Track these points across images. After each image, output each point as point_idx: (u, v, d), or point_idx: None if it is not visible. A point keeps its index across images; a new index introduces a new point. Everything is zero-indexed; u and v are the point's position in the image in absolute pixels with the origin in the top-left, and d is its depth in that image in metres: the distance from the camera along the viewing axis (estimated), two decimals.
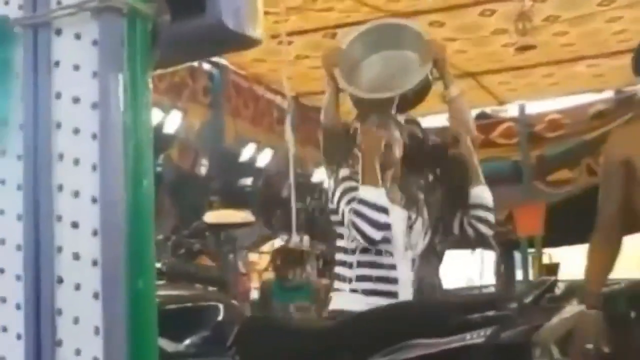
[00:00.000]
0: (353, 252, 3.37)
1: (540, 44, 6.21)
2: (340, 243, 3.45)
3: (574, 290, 4.15)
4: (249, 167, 7.68)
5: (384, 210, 3.27)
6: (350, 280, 3.36)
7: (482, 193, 3.50)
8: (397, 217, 3.40)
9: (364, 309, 3.27)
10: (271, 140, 7.28)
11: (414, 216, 3.41)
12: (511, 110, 8.13)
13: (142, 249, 1.61)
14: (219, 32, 1.70)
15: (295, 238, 6.29)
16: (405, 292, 3.40)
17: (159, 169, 7.08)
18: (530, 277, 7.78)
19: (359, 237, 3.24)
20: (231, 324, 3.32)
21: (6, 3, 1.69)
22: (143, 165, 1.61)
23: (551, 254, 8.56)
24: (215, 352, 3.22)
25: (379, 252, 3.37)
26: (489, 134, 7.99)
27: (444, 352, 2.73)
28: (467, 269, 9.12)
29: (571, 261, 7.55)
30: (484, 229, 3.48)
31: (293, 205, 5.70)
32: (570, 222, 7.17)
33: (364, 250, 3.36)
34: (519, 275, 8.36)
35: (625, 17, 6.05)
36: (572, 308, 3.06)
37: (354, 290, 3.32)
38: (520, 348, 2.74)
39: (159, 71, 1.85)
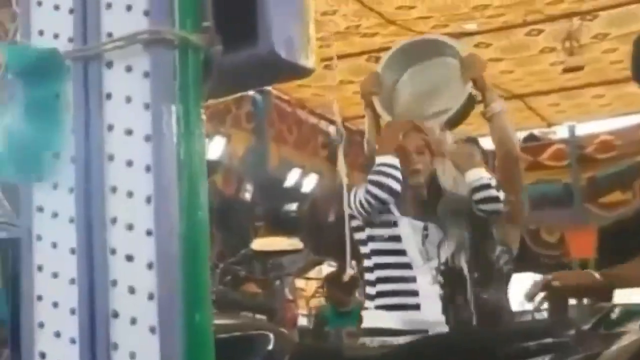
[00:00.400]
0: (372, 269, 3.41)
1: (589, 63, 6.25)
2: (365, 263, 3.50)
3: (630, 315, 4.26)
4: (295, 193, 7.76)
5: (399, 170, 3.34)
6: (373, 298, 3.42)
7: (475, 174, 3.42)
8: (410, 227, 3.43)
9: (399, 328, 3.27)
10: (316, 165, 7.39)
11: (428, 226, 3.43)
12: (560, 132, 8.14)
13: (198, 282, 1.62)
14: (272, 62, 1.72)
15: (349, 270, 6.34)
16: (429, 304, 3.38)
17: None
18: (584, 302, 7.92)
19: (382, 193, 3.26)
20: (282, 353, 3.33)
21: (56, 36, 1.72)
22: (197, 197, 1.63)
23: None
24: None
25: (396, 266, 3.40)
26: (538, 157, 7.96)
27: None
28: (519, 293, 8.98)
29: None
30: (490, 207, 3.42)
31: (347, 236, 5.80)
32: (623, 245, 7.60)
33: (383, 266, 3.39)
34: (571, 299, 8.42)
35: None
36: (633, 335, 2.95)
37: (378, 307, 3.37)
38: None
39: (211, 101, 1.88)
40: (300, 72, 1.82)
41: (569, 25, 5.82)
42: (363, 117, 6.83)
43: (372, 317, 3.43)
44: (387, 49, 6.25)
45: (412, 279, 3.38)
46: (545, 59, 6.44)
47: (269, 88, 6.77)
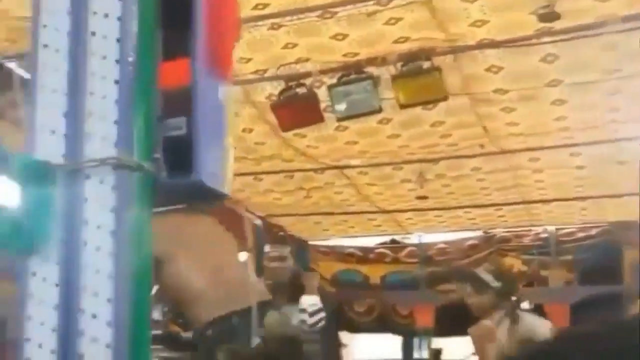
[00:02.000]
0: None
1: (431, 193, 7.41)
2: None
3: None
4: None
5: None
6: None
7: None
8: None
9: None
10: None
11: None
12: (413, 238, 9.40)
13: (141, 335, 1.89)
14: (199, 188, 1.98)
15: None
16: None
17: None
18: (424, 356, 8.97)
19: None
20: None
21: (51, 153, 1.97)
22: (144, 275, 1.92)
23: (438, 341, 9.71)
24: None
25: None
26: (397, 254, 9.54)
27: None
28: (381, 348, 10.30)
29: (452, 348, 8.88)
30: None
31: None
32: (452, 319, 8.29)
33: None
34: (417, 354, 9.59)
35: (487, 179, 7.27)
36: None
37: None
38: None
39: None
40: (220, 197, 2.08)
41: (420, 167, 6.98)
42: (278, 215, 8.25)
43: None
44: (293, 170, 7.22)
45: None
46: (404, 187, 7.47)
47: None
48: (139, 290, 1.87)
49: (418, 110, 5.46)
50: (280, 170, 7.20)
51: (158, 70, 2.00)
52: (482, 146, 6.43)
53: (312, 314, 4.23)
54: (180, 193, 2.08)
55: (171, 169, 1.98)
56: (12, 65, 4.61)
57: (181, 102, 2.00)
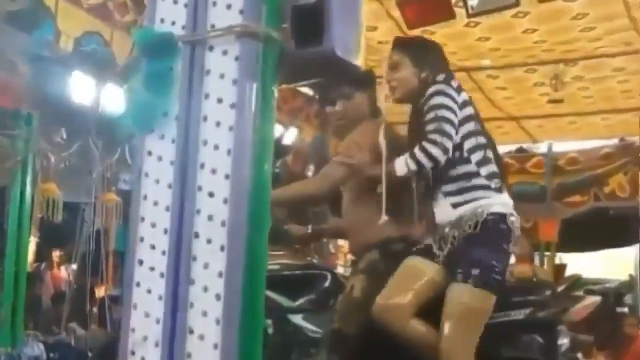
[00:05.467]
0: None
1: (567, 97, 6.82)
2: None
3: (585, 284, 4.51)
4: None
5: None
6: None
7: None
8: None
9: None
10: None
11: None
12: (542, 147, 8.73)
13: (260, 215, 1.70)
14: (330, 58, 1.84)
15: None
16: None
17: (277, 170, 7.21)
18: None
19: None
20: (335, 290, 3.34)
21: (172, 24, 1.82)
22: (265, 152, 1.73)
23: (561, 257, 9.29)
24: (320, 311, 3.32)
25: None
26: (524, 164, 8.66)
27: (493, 324, 2.95)
28: None
29: (575, 264, 8.43)
30: None
31: (384, 200, 7.05)
32: (578, 234, 8.30)
33: None
34: None
35: (631, 80, 6.64)
36: (592, 297, 3.46)
37: None
38: (551, 325, 3.11)
39: (283, 86, 2.01)
40: (352, 71, 1.94)
41: (556, 68, 6.46)
42: (399, 123, 7.43)
43: None
44: None
45: None
46: (536, 91, 7.00)
47: None
48: (258, 166, 1.73)
49: (559, 2, 5.03)
50: None
51: None
52: (628, 44, 5.85)
53: None
54: (309, 65, 1.91)
55: (300, 39, 1.82)
56: None
57: None
